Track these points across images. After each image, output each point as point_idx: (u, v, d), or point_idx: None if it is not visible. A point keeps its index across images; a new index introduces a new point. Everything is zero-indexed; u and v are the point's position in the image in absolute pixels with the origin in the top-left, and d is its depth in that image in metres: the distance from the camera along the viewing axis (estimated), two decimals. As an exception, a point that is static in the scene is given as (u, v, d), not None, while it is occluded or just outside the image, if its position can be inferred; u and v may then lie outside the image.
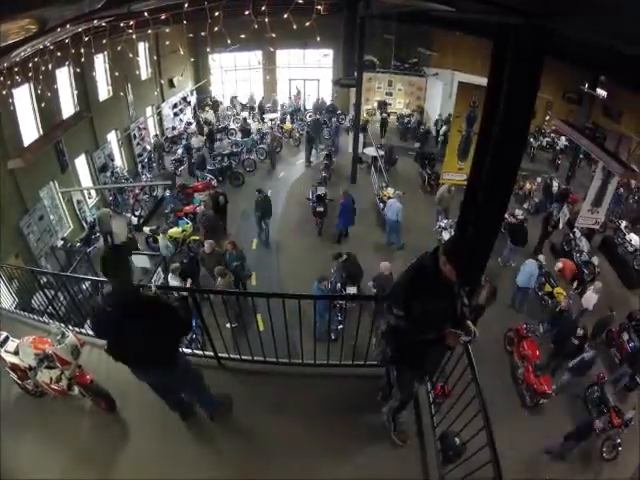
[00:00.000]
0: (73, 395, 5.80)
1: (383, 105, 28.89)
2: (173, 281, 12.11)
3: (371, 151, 22.92)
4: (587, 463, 10.97)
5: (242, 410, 5.83)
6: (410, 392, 5.25)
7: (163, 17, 9.72)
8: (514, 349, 13.11)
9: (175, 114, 25.93)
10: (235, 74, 29.67)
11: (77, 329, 7.17)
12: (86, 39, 10.23)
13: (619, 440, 10.68)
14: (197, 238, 15.93)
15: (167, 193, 18.98)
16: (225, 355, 6.56)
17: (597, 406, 11.78)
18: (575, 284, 15.09)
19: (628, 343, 13.22)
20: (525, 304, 14.81)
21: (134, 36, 10.27)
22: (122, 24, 9.95)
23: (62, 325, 7.03)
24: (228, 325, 7.81)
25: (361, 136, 22.17)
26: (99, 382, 5.77)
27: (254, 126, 26.26)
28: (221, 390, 5.91)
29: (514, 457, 9.93)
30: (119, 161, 20.60)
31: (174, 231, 16.11)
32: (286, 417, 5.75)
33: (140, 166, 21.91)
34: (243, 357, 6.54)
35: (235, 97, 29.35)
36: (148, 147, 22.80)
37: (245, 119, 26.41)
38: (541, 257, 15.57)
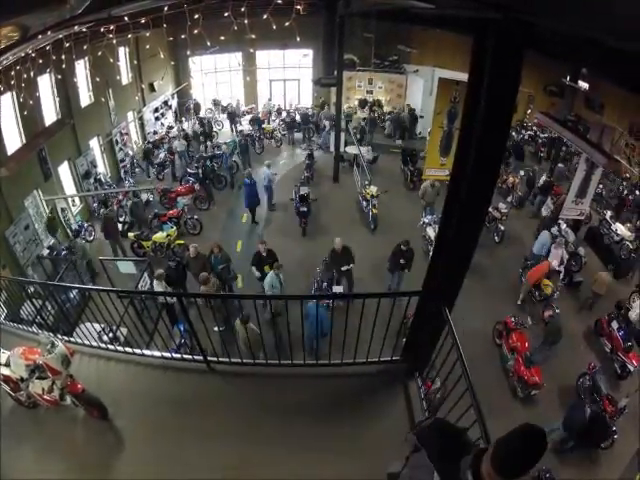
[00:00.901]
0: (66, 405, 5.79)
1: (364, 103, 29.14)
2: (158, 287, 12.06)
3: (353, 149, 22.97)
4: (583, 452, 11.05)
5: (234, 412, 5.87)
6: None
7: (143, 21, 9.70)
8: (503, 341, 13.20)
9: (156, 118, 25.82)
10: (215, 76, 29.57)
11: (66, 338, 7.17)
12: (67, 45, 10.21)
13: (614, 428, 10.76)
14: (182, 242, 15.97)
15: (150, 197, 18.93)
16: (214, 358, 6.57)
17: (590, 395, 11.89)
18: (562, 275, 15.23)
19: (618, 332, 13.34)
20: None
21: (114, 41, 10.22)
22: (102, 29, 9.94)
23: (51, 334, 7.01)
24: (216, 329, 7.83)
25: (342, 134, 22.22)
26: (90, 391, 5.76)
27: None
28: (212, 393, 5.96)
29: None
30: (102, 167, 20.45)
31: (158, 236, 16.06)
32: (277, 417, 5.78)
33: (123, 172, 21.76)
34: (232, 360, 6.56)
35: (215, 100, 29.27)
36: (130, 152, 22.70)
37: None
38: (554, 229, 16.21)
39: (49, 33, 8.06)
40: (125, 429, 5.73)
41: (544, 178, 20.89)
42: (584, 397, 11.97)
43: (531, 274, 14.85)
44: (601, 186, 20.05)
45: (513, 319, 13.14)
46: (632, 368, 12.51)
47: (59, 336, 7.03)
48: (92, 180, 19.19)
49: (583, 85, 21.13)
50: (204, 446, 5.45)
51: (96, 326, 8.33)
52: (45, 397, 5.67)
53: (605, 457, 10.87)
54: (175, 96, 27.49)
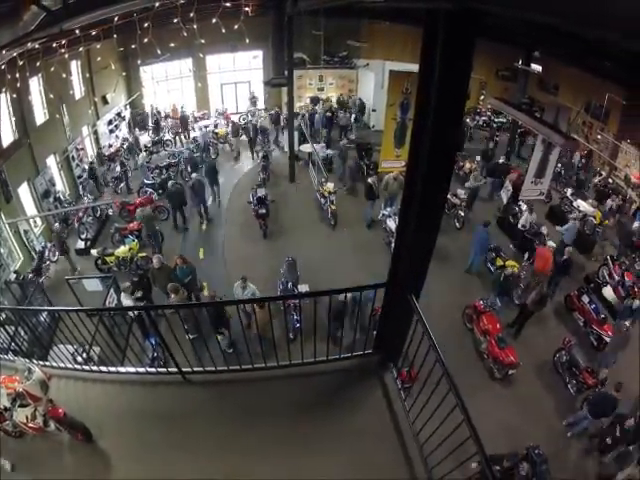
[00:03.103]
0: (50, 431, 5.72)
1: (316, 100, 29.33)
2: (126, 300, 11.97)
3: (307, 148, 23.11)
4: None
5: (215, 421, 5.88)
6: None
7: (94, 33, 9.64)
8: (474, 325, 13.39)
9: (111, 131, 25.45)
10: (167, 84, 29.24)
11: (41, 362, 7.07)
12: (21, 63, 10.08)
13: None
14: (145, 255, 15.89)
15: (110, 212, 18.68)
16: (188, 369, 6.53)
17: (568, 370, 12.12)
18: (527, 255, 15.48)
19: (590, 305, 13.64)
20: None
21: (66, 55, 10.16)
22: (55, 44, 9.85)
23: (27, 360, 6.91)
24: (187, 337, 7.79)
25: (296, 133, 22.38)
26: (72, 414, 5.68)
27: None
28: (190, 404, 5.96)
29: (493, 431, 10.20)
30: (60, 185, 20.10)
31: (121, 250, 15.94)
32: (259, 422, 5.77)
33: (81, 188, 21.41)
34: (207, 368, 6.53)
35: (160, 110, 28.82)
36: (87, 167, 22.27)
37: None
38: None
39: (4, 52, 7.97)
40: (111, 449, 5.66)
41: (500, 161, 21.25)
42: (562, 372, 12.22)
43: (541, 265, 14.99)
44: (560, 165, 20.44)
45: (482, 302, 13.30)
46: (608, 339, 12.79)
47: (34, 361, 6.93)
48: (52, 199, 18.86)
49: (536, 68, 21.51)
50: (190, 458, 5.42)
51: (69, 347, 8.24)
52: (30, 425, 5.59)
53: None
54: (128, 107, 27.14)
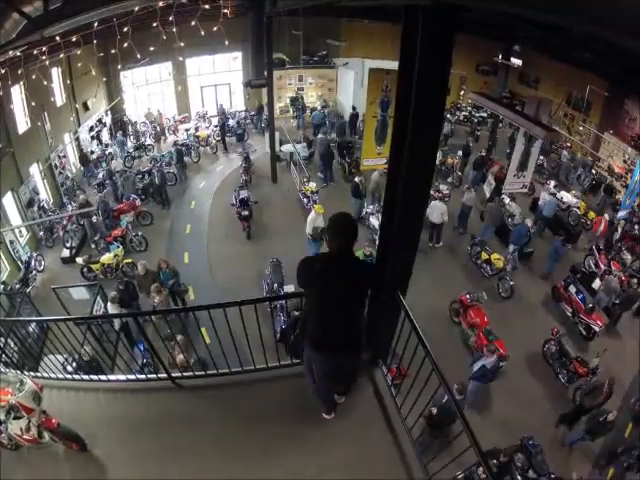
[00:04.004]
0: (45, 442, 5.68)
1: (296, 100, 29.43)
2: (113, 310, 11.91)
3: (288, 148, 23.14)
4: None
5: (208, 426, 5.85)
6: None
7: (74, 39, 9.60)
8: (461, 319, 13.47)
9: (92, 137, 25.28)
10: (147, 88, 29.07)
11: (32, 373, 7.03)
12: (2, 71, 10.03)
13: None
14: (130, 261, 15.80)
15: (93, 220, 18.60)
16: (178, 374, 6.52)
17: (558, 360, 12.20)
18: (512, 248, 15.57)
19: (577, 295, 13.75)
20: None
21: (47, 62, 10.12)
22: (36, 51, 9.81)
23: (18, 372, 6.87)
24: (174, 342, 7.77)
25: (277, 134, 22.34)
26: (65, 424, 5.65)
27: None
28: (182, 409, 5.94)
29: (486, 423, 10.26)
30: (44, 194, 19.95)
31: (106, 257, 15.85)
32: (251, 424, 5.77)
33: (65, 196, 21.21)
34: (196, 373, 6.52)
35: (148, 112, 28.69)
36: (70, 175, 22.17)
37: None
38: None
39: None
40: (106, 457, 5.62)
41: (480, 154, 21.44)
42: (552, 362, 12.31)
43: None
44: (542, 157, 20.60)
45: (468, 296, 13.38)
46: (597, 329, 12.92)
47: (25, 372, 6.90)
48: (36, 208, 18.70)
49: (516, 62, 21.64)
50: (185, 463, 5.41)
51: (59, 357, 8.19)
52: (24, 437, 5.54)
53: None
54: (109, 113, 26.98)
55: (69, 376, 7.14)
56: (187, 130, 27.05)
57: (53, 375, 6.97)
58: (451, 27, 3.97)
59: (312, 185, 19.31)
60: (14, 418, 5.45)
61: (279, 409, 5.90)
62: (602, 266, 15.22)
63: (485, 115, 26.19)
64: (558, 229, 17.29)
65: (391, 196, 5.12)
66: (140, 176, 21.56)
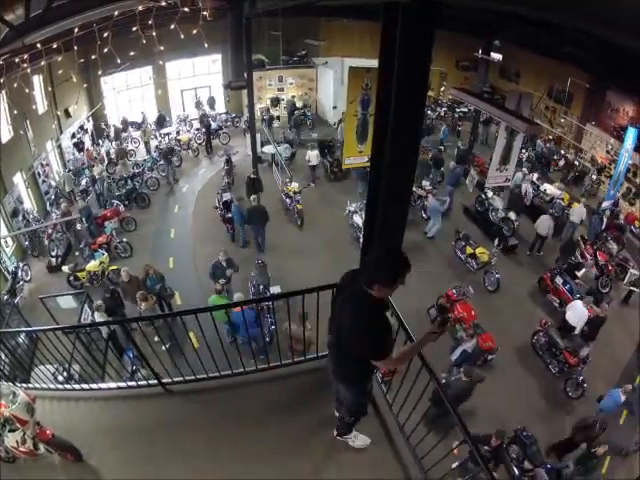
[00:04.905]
0: (41, 454, 5.65)
1: (277, 101, 29.87)
2: (100, 319, 11.85)
3: (270, 149, 23.19)
4: (556, 404, 11.66)
5: (200, 430, 5.85)
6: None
7: (55, 46, 9.56)
8: (449, 314, 13.47)
9: (75, 144, 25.11)
10: (128, 93, 28.97)
11: (24, 385, 7.00)
12: (-15, 81, 10.00)
13: (582, 378, 11.28)
14: (116, 268, 15.63)
15: (78, 227, 18.46)
16: (168, 380, 6.50)
17: (547, 351, 12.27)
18: (496, 241, 15.64)
19: (564, 286, 13.84)
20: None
21: (29, 70, 10.05)
22: (17, 59, 9.74)
23: (10, 384, 6.83)
24: (164, 347, 7.73)
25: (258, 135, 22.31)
26: (59, 435, 5.63)
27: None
28: (175, 415, 5.93)
29: (478, 417, 10.30)
30: (28, 203, 19.79)
31: (92, 265, 15.72)
32: (243, 426, 5.79)
33: (49, 204, 21.08)
34: (186, 377, 6.50)
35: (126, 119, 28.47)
36: (53, 183, 22.01)
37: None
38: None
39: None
40: (102, 466, 5.60)
41: (460, 147, 21.77)
42: (542, 353, 12.37)
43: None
44: (524, 150, 20.72)
45: (455, 290, 13.40)
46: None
47: (17, 384, 6.85)
48: (21, 217, 18.55)
49: (496, 56, 21.72)
50: (179, 468, 5.42)
51: (49, 367, 8.16)
52: (21, 449, 5.51)
53: (579, 406, 11.42)
54: (90, 119, 26.82)
55: (60, 386, 7.14)
56: (168, 134, 26.93)
57: (45, 385, 6.95)
58: (431, 24, 3.99)
59: (294, 185, 19.32)
60: (9, 431, 5.42)
61: (270, 410, 5.91)
62: (588, 257, 15.32)
63: (466, 110, 26.27)
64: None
65: (374, 194, 5.14)
66: (122, 182, 21.45)
